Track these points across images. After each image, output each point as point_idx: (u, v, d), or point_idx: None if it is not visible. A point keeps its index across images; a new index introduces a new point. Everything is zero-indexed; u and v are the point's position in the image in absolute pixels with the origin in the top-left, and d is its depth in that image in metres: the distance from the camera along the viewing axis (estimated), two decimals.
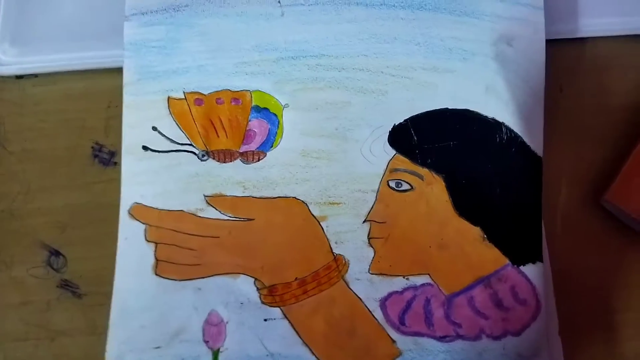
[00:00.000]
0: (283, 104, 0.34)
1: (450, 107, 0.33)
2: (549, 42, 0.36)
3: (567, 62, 0.37)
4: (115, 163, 0.36)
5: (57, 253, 0.34)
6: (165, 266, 0.32)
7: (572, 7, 0.37)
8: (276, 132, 0.34)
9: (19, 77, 0.38)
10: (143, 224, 0.33)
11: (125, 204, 0.33)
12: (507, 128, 0.33)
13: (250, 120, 0.34)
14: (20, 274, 0.34)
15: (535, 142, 0.33)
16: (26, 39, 0.37)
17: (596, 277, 0.34)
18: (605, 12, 0.37)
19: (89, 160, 0.36)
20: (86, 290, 0.34)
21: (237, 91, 0.34)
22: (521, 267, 0.32)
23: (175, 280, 0.32)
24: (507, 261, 0.32)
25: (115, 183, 0.34)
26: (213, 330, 0.32)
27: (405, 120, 0.33)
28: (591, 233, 0.35)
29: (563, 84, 0.37)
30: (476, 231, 0.33)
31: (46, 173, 0.36)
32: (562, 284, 0.34)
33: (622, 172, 0.34)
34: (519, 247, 0.32)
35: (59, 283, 0.34)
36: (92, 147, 0.36)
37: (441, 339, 0.31)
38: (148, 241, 0.33)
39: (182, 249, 0.33)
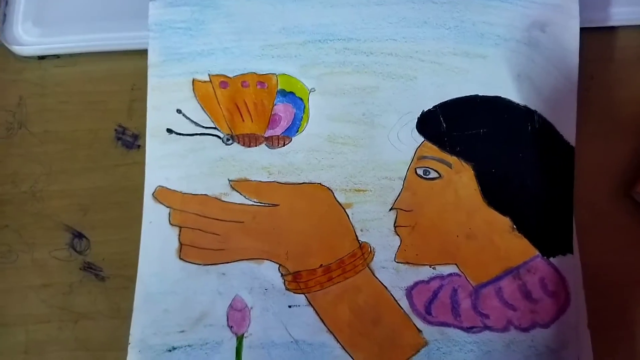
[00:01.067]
0: (309, 88, 0.33)
1: (480, 94, 0.33)
2: (582, 30, 0.35)
3: (599, 51, 0.36)
4: (139, 146, 0.35)
5: (80, 235, 0.34)
6: (189, 250, 0.32)
7: None
8: (302, 117, 0.33)
9: (41, 57, 0.37)
10: (167, 207, 0.33)
11: (149, 187, 0.33)
12: (539, 116, 0.32)
13: (275, 105, 0.33)
14: (42, 256, 0.34)
15: (567, 131, 0.32)
16: (49, 19, 0.37)
17: (626, 272, 0.33)
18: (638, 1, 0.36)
19: (112, 142, 0.36)
20: (109, 273, 0.34)
21: (263, 74, 0.33)
22: (551, 259, 0.32)
23: (200, 264, 0.32)
24: (536, 252, 0.32)
25: (138, 166, 0.34)
26: (237, 316, 0.31)
27: (434, 107, 0.33)
28: (621, 226, 0.34)
29: (594, 73, 0.36)
30: (505, 221, 0.32)
31: (68, 155, 0.36)
32: (591, 277, 0.33)
33: None
34: (549, 238, 0.32)
35: (82, 266, 0.34)
36: (115, 130, 0.36)
37: (468, 329, 0.31)
38: (172, 225, 0.32)
39: (206, 234, 0.32)
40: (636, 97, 0.36)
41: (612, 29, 0.37)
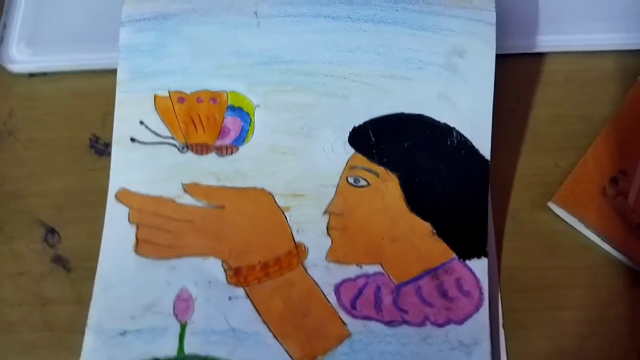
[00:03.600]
0: (255, 104, 0.37)
1: (406, 112, 0.36)
2: (509, 56, 0.39)
3: (525, 74, 0.40)
4: (109, 153, 0.40)
5: (52, 231, 0.39)
6: (144, 246, 0.36)
7: (531, 23, 0.40)
8: (248, 129, 0.37)
9: (31, 75, 0.42)
10: (127, 207, 0.37)
11: (113, 188, 0.37)
12: (458, 132, 0.36)
13: (225, 118, 0.37)
14: (19, 248, 0.38)
15: (483, 146, 0.36)
16: (39, 41, 0.42)
17: (541, 275, 0.36)
18: (564, 29, 0.39)
19: (87, 150, 0.40)
20: (75, 265, 0.37)
21: (216, 92, 0.38)
22: (467, 261, 0.35)
23: (153, 259, 0.36)
24: (453, 255, 0.35)
25: (107, 171, 0.38)
26: (182, 305, 0.35)
27: (364, 122, 0.37)
28: (539, 234, 0.37)
29: (520, 95, 0.39)
30: (426, 226, 0.35)
31: (48, 160, 0.40)
32: (509, 280, 0.36)
33: (569, 178, 0.36)
34: (466, 243, 0.35)
35: (53, 258, 0.38)
36: (90, 139, 0.40)
37: (388, 323, 0.34)
38: (131, 222, 0.36)
39: (161, 231, 0.36)
40: (560, 117, 0.39)
41: (539, 54, 0.40)
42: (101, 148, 0.40)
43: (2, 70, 0.42)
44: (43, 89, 0.42)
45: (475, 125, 0.35)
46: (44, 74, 0.42)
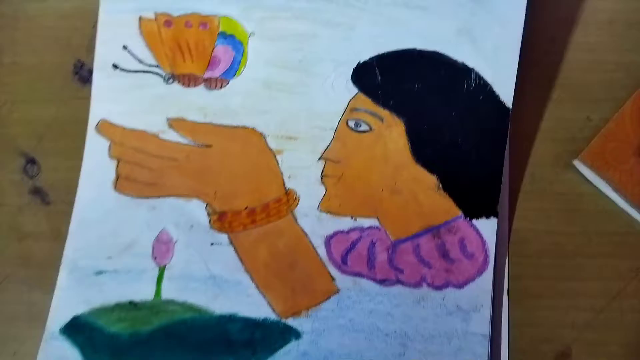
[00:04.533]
0: (249, 31, 0.33)
1: (419, 48, 0.32)
2: None
3: (563, 12, 0.34)
4: None
5: (32, 161, 0.36)
6: (124, 183, 0.34)
7: None
8: (240, 60, 0.33)
9: None
10: (108, 140, 0.34)
11: (93, 119, 0.34)
12: (477, 74, 0.31)
13: (216, 46, 0.34)
14: None
15: (505, 93, 0.31)
16: None
17: (557, 241, 0.32)
18: None
19: (70, 76, 0.37)
20: (54, 199, 0.35)
21: (206, 15, 0.34)
22: (474, 221, 0.31)
23: (133, 197, 0.33)
24: (459, 213, 0.31)
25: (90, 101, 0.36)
26: (162, 248, 0.33)
27: (370, 58, 0.32)
28: (559, 195, 0.33)
29: (555, 35, 0.34)
30: (432, 179, 0.32)
31: (31, 86, 0.37)
32: (521, 244, 0.32)
33: (600, 133, 0.32)
34: (475, 200, 0.31)
35: (31, 189, 0.36)
36: (74, 65, 0.37)
37: (381, 282, 0.31)
38: (111, 157, 0.34)
39: (142, 168, 0.34)
40: (596, 62, 0.34)
41: None
42: (85, 75, 0.37)
43: None
44: (27, 9, 0.39)
45: (499, 66, 0.31)
46: None
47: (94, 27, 0.38)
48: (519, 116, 0.32)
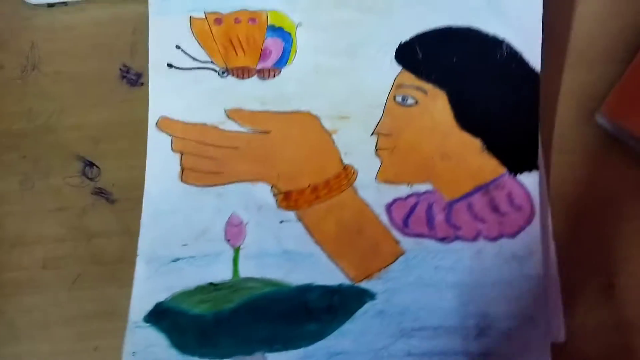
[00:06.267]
0: (296, 22, 0.36)
1: (453, 25, 0.35)
2: None
3: None
4: (142, 84, 0.38)
5: (91, 164, 0.38)
6: (190, 174, 0.35)
7: None
8: (290, 50, 0.36)
9: (50, 5, 0.40)
10: (169, 135, 0.36)
11: (153, 117, 0.36)
12: (507, 45, 0.35)
13: (266, 39, 0.36)
14: (57, 183, 0.37)
15: (533, 58, 0.35)
16: None
17: (590, 190, 0.36)
18: None
19: (118, 81, 0.39)
20: (118, 197, 0.37)
21: (254, 11, 0.36)
22: (518, 176, 0.35)
23: (200, 186, 0.35)
24: (504, 170, 0.35)
25: (142, 102, 0.37)
26: (234, 230, 0.35)
27: (410, 38, 0.36)
28: (584, 148, 0.36)
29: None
30: (476, 143, 0.35)
31: (79, 93, 0.39)
32: (557, 193, 0.36)
33: (617, 86, 0.35)
34: (516, 157, 0.35)
35: (93, 190, 0.37)
36: (120, 69, 0.39)
37: (441, 240, 0.34)
38: (174, 151, 0.36)
39: (205, 159, 0.35)
40: (606, 26, 0.38)
41: None
42: (133, 78, 0.39)
43: (20, 2, 0.40)
44: (64, 20, 0.40)
45: (525, 35, 0.34)
46: (64, 4, 0.40)
47: (134, 32, 0.39)
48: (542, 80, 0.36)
